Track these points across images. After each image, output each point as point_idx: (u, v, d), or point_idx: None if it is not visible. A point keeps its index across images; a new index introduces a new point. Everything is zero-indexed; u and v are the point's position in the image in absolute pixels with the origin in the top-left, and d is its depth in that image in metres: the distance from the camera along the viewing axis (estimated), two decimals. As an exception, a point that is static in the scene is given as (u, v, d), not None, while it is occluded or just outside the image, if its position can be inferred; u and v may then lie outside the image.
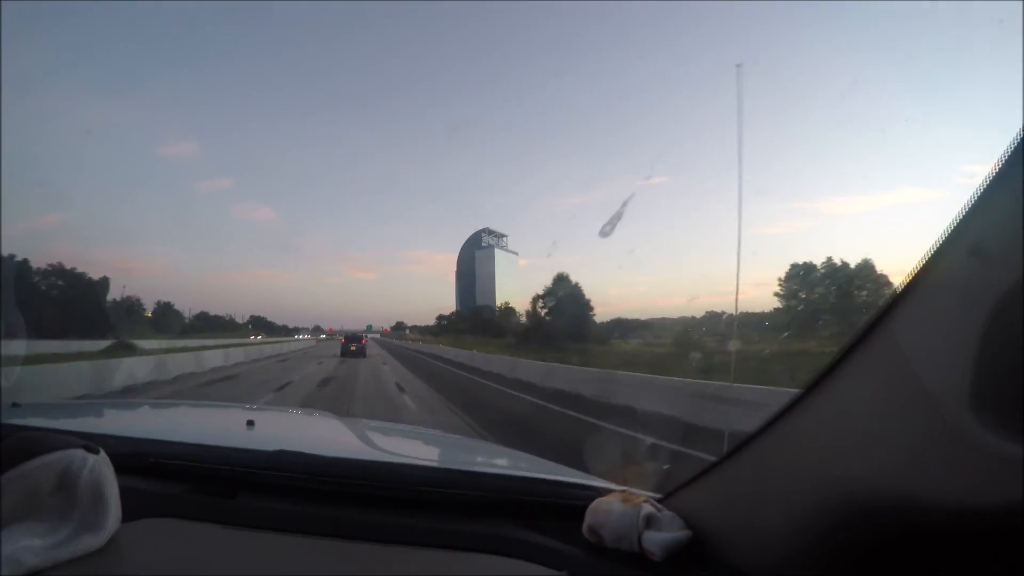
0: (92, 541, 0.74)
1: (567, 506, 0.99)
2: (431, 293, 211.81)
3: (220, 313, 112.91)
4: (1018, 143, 0.47)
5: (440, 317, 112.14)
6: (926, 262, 0.54)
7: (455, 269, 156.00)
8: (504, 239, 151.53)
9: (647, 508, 0.85)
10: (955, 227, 0.52)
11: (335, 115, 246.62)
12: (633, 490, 1.02)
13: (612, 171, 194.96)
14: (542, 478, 1.19)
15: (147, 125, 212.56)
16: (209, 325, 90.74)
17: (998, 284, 0.47)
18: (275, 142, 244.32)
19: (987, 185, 0.50)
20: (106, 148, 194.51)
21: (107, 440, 1.02)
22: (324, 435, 1.79)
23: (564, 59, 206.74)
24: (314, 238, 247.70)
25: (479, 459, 1.80)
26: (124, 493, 0.82)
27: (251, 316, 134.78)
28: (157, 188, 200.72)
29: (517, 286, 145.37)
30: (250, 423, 1.50)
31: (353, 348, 29.40)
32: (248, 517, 0.97)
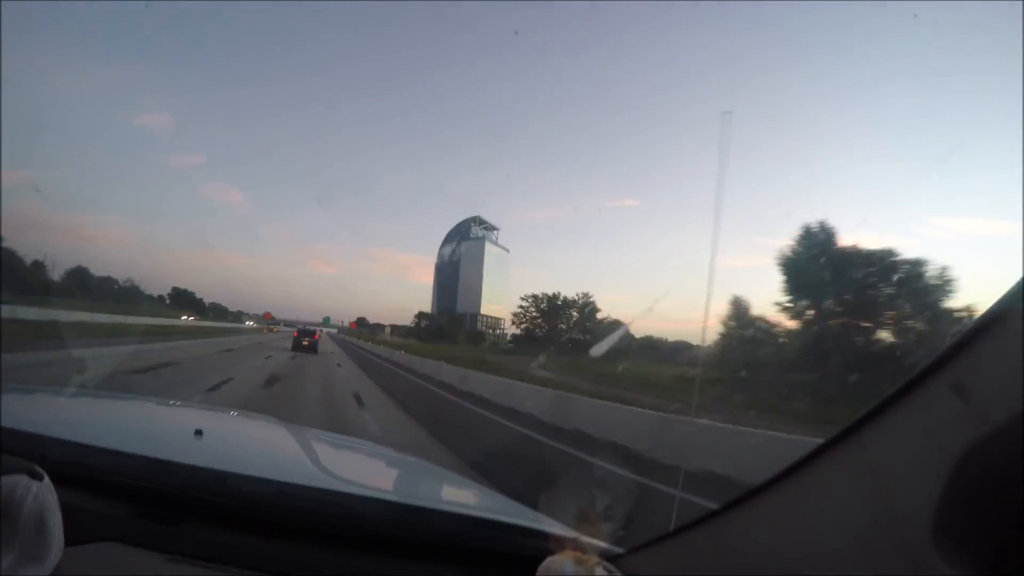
0: (34, 572, 0.69)
1: (517, 555, 0.99)
2: (396, 292, 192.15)
3: (113, 275, 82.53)
4: (1018, 286, 0.47)
5: (420, 314, 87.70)
6: (906, 383, 0.55)
7: (434, 262, 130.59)
8: (495, 232, 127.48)
9: (600, 572, 0.86)
10: (940, 356, 0.52)
11: (314, 108, 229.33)
12: (588, 540, 1.01)
13: (582, 189, 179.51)
14: (494, 520, 1.17)
15: (123, 91, 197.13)
16: (83, 290, 61.53)
17: (975, 427, 0.47)
18: (252, 127, 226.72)
19: (981, 322, 0.49)
20: (78, 109, 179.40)
21: (50, 445, 1.06)
22: (272, 452, 1.72)
23: (541, 75, 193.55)
24: (279, 225, 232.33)
25: (430, 491, 1.73)
26: (65, 510, 0.76)
27: (172, 288, 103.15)
28: (126, 157, 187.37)
29: (505, 290, 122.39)
30: (198, 432, 1.41)
31: (305, 343, 27.47)
32: (192, 547, 0.94)
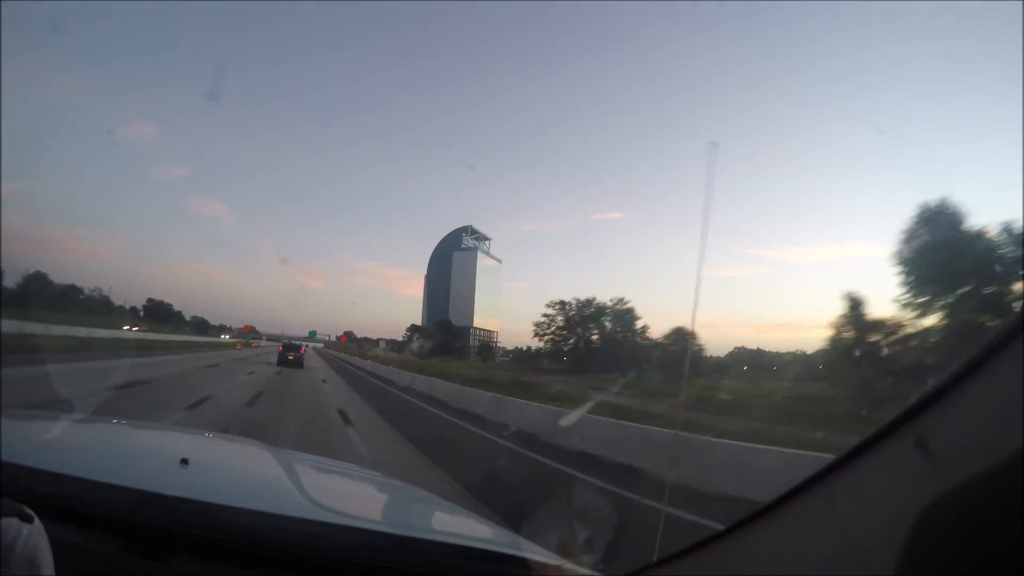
0: None
1: None
2: (384, 306, 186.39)
3: (78, 283, 75.64)
4: (980, 349, 0.48)
5: (413, 328, 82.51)
6: (872, 436, 0.57)
7: (422, 276, 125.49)
8: (487, 243, 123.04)
9: None
10: (905, 411, 0.54)
11: (301, 120, 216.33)
12: (573, 568, 1.06)
13: (570, 203, 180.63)
14: (480, 550, 1.20)
15: (106, 103, 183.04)
16: (40, 298, 55.10)
17: (936, 484, 0.48)
18: (237, 140, 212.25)
19: (945, 380, 0.50)
20: (58, 120, 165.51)
21: (36, 477, 1.07)
22: (258, 480, 1.73)
23: (530, 90, 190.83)
24: (264, 239, 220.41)
25: (417, 519, 1.74)
26: (54, 546, 0.75)
27: (148, 299, 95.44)
28: (108, 168, 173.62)
29: (497, 302, 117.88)
30: (184, 461, 1.42)
31: (291, 358, 27.30)
32: None
